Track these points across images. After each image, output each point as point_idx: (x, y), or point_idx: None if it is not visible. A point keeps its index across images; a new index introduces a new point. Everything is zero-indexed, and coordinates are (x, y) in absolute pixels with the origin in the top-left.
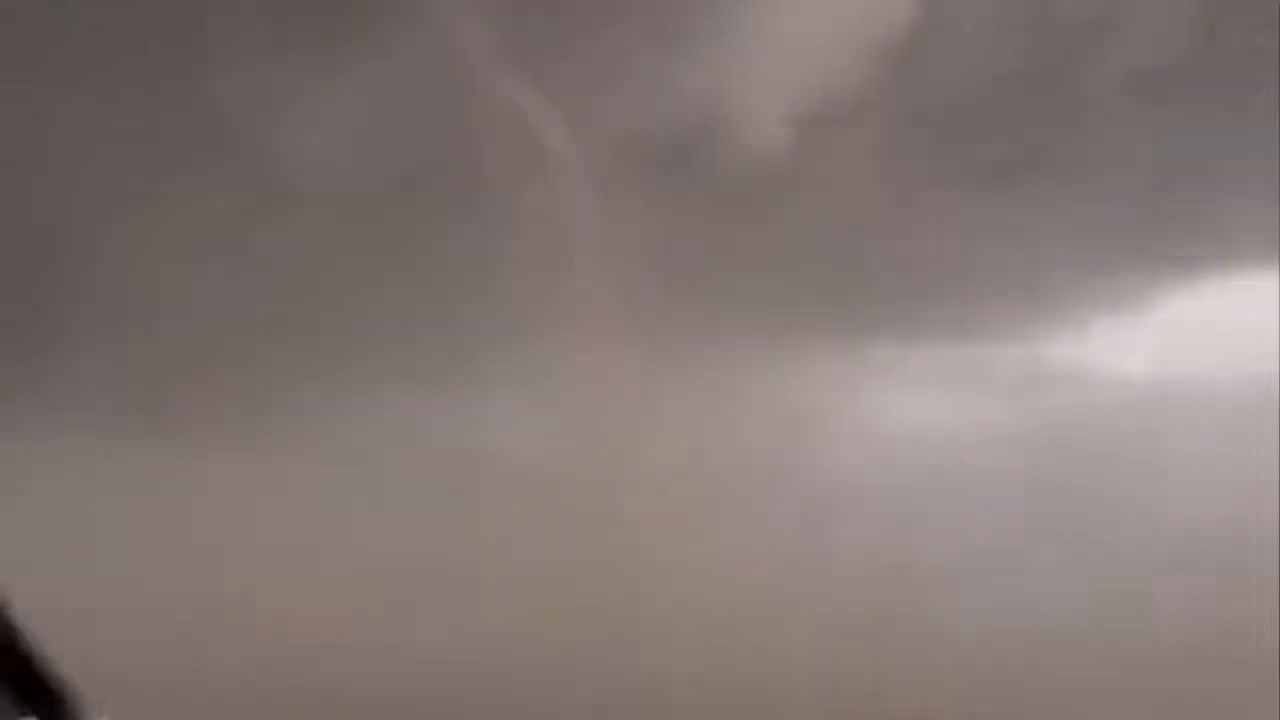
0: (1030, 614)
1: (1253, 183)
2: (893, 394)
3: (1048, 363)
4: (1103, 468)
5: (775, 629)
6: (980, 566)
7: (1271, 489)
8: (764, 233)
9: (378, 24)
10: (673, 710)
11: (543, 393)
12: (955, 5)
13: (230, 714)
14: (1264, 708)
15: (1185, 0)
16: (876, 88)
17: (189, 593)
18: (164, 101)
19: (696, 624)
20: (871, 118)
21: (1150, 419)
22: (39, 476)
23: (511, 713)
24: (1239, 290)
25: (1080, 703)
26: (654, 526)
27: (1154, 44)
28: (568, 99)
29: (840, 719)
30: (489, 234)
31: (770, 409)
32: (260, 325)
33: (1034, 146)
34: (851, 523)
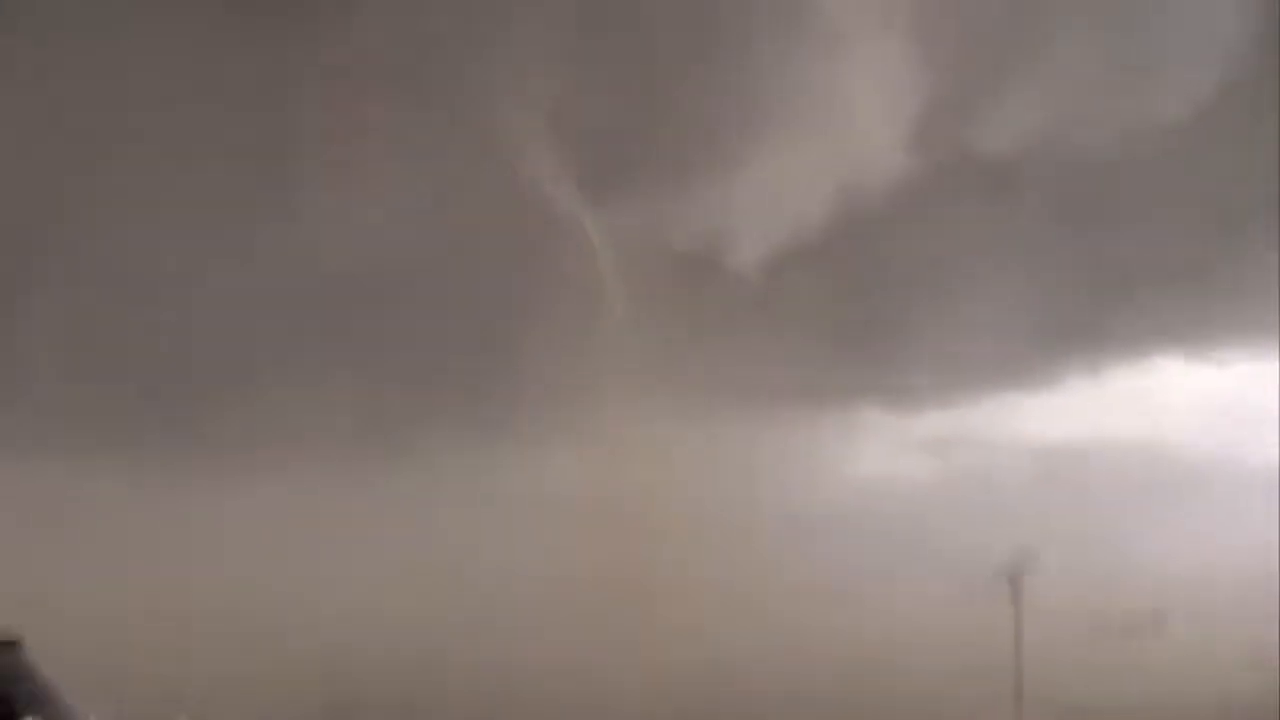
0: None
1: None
2: (852, 449)
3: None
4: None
5: (762, 622)
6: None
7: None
8: (751, 325)
9: (459, 144)
10: (694, 668)
11: (579, 441)
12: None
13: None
14: None
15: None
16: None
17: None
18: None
19: (705, 612)
20: (830, 248)
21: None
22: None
23: (565, 681)
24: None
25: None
26: (668, 544)
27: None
28: (608, 208)
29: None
30: (540, 312)
31: (752, 456)
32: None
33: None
34: (809, 545)
